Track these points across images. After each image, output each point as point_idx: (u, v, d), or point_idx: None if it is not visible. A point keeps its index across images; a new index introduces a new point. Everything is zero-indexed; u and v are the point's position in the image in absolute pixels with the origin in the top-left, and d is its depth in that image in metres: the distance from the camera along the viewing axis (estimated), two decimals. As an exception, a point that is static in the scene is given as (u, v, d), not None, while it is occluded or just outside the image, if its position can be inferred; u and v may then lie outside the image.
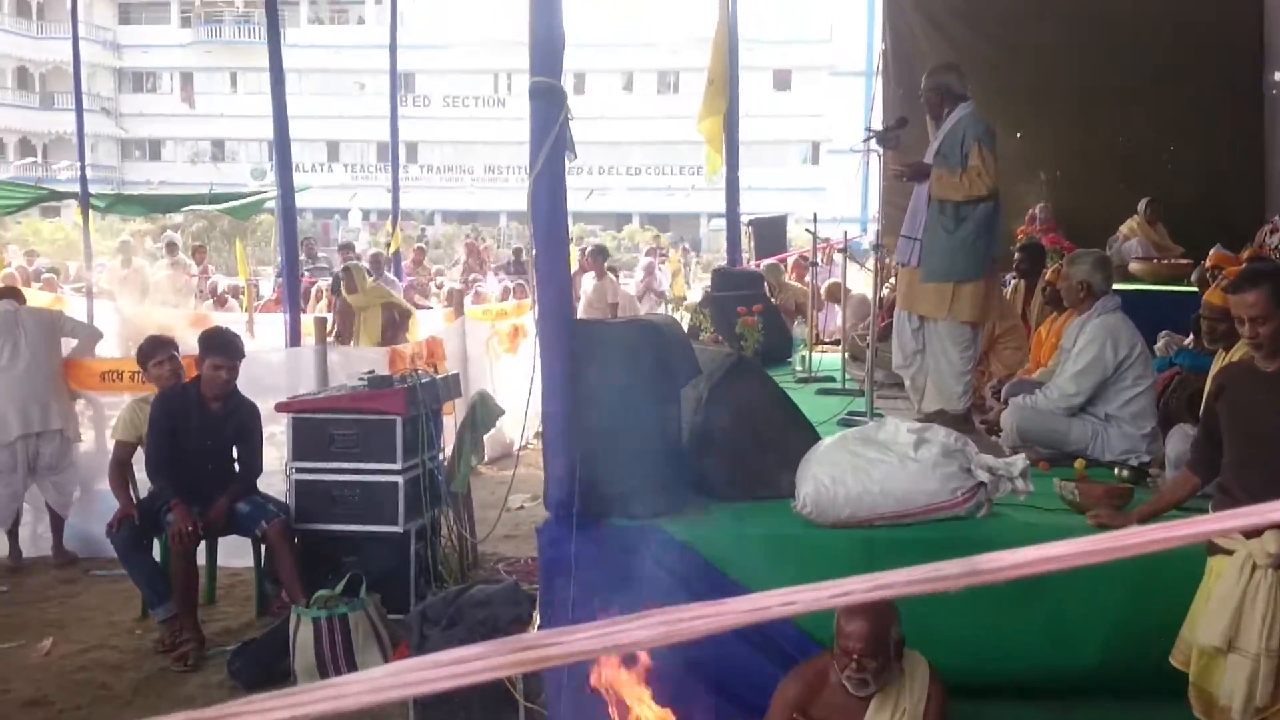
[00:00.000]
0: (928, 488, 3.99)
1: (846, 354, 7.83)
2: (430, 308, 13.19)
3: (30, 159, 49.17)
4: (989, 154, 5.36)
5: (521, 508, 7.88)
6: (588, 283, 12.89)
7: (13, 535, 7.08)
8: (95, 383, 7.33)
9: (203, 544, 5.83)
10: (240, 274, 15.03)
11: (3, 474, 6.95)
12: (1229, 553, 3.33)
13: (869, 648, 3.15)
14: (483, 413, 7.08)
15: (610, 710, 3.16)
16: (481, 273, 19.00)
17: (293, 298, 8.87)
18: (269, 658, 5.21)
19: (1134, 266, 9.12)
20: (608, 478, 3.99)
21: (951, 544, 3.80)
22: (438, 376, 6.65)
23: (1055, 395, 5.12)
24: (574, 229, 23.45)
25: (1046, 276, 7.37)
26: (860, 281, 10.89)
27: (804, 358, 8.15)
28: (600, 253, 13.79)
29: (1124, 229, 9.95)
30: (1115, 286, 5.39)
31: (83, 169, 11.73)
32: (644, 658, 3.12)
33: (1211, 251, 7.95)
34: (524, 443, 9.28)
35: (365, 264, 12.58)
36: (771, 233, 12.24)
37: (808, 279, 9.76)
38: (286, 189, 8.52)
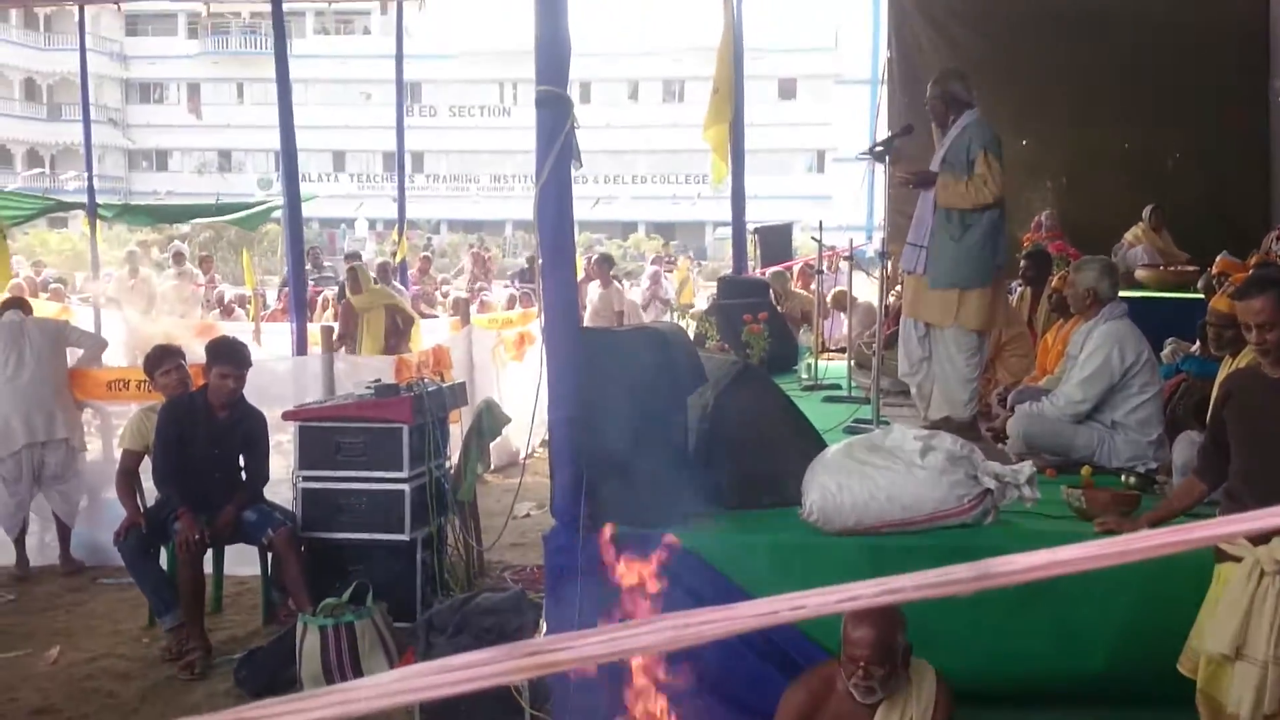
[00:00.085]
0: (934, 495, 3.99)
1: (852, 361, 7.82)
2: (436, 316, 13.22)
3: (38, 170, 49.33)
4: (995, 161, 5.35)
5: (528, 515, 7.88)
6: (593, 291, 12.90)
7: (20, 544, 7.09)
8: (102, 392, 7.34)
9: (209, 552, 5.83)
10: (247, 284, 15.07)
11: (9, 483, 6.97)
12: (1237, 559, 3.32)
13: (876, 655, 3.14)
14: (489, 421, 7.08)
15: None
16: (487, 281, 19.03)
17: (299, 307, 8.88)
18: (275, 666, 5.21)
19: (1140, 273, 9.10)
20: (614, 485, 3.99)
21: (958, 551, 3.78)
22: (444, 385, 6.65)
23: (1062, 402, 5.11)
24: (580, 238, 23.47)
25: (1053, 283, 7.36)
26: (867, 289, 10.89)
27: (810, 365, 8.14)
28: (606, 261, 13.80)
29: (1129, 236, 9.93)
30: (1121, 294, 5.39)
31: (90, 179, 11.80)
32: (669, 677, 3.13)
33: (1218, 258, 7.95)
34: (530, 451, 9.29)
35: (372, 273, 12.60)
36: (777, 241, 12.25)
37: (813, 287, 9.76)
38: (293, 199, 8.55)
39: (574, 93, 4.22)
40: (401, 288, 12.60)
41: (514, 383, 9.52)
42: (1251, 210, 9.86)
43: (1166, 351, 6.53)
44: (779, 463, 4.34)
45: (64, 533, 7.13)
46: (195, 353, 6.63)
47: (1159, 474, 4.85)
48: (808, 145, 51.17)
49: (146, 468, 6.03)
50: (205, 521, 5.60)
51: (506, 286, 18.30)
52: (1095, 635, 3.80)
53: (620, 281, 14.63)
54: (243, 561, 6.20)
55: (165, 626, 5.62)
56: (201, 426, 5.79)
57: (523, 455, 9.49)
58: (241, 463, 5.95)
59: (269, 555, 5.90)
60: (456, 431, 7.30)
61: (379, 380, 6.30)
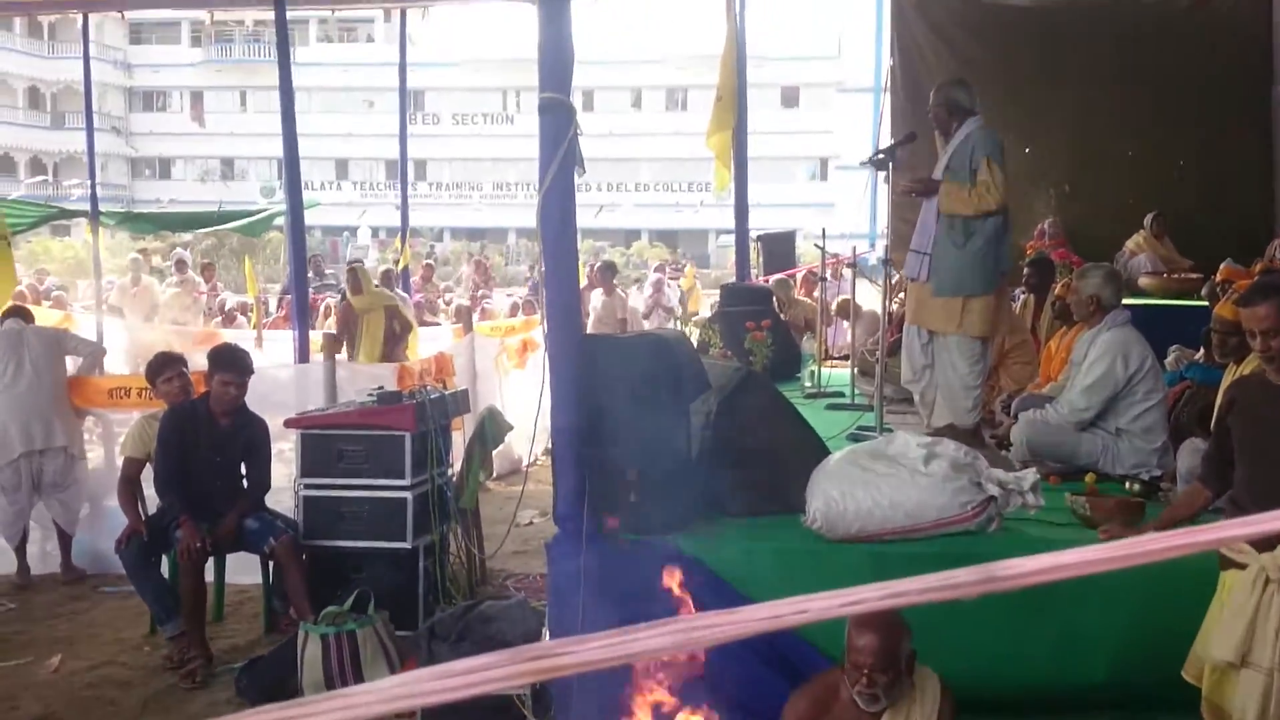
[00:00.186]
0: (938, 502, 3.98)
1: (856, 369, 7.81)
2: (439, 324, 13.22)
3: (41, 178, 49.43)
4: (998, 168, 5.35)
5: (530, 523, 7.87)
6: (596, 299, 12.90)
7: (21, 552, 7.09)
8: (103, 400, 7.34)
9: (211, 560, 5.82)
10: (249, 291, 15.08)
11: (8, 491, 6.97)
12: (1242, 567, 3.31)
13: (880, 662, 3.13)
14: (491, 428, 7.08)
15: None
16: (489, 289, 19.06)
17: (301, 314, 8.88)
18: (277, 674, 5.20)
19: (1143, 281, 9.09)
20: (617, 492, 3.98)
21: (962, 558, 3.72)
22: (446, 392, 6.65)
23: (1065, 409, 5.10)
24: (583, 246, 23.48)
25: (1056, 291, 7.36)
26: (870, 297, 10.88)
27: (813, 373, 8.14)
28: (609, 268, 13.80)
29: (1130, 244, 9.92)
30: (1124, 301, 5.38)
31: (93, 187, 11.79)
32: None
33: (1222, 266, 7.93)
34: (533, 458, 9.28)
35: (375, 280, 12.60)
36: (780, 248, 12.23)
37: (816, 294, 9.75)
38: (296, 206, 8.54)
39: (577, 100, 4.22)
40: (405, 295, 12.60)
41: (516, 390, 9.52)
42: (1255, 217, 9.84)
43: (1170, 359, 6.52)
44: (782, 470, 4.33)
45: (65, 541, 7.13)
46: (197, 360, 6.63)
47: (1163, 481, 4.84)
48: (811, 153, 51.21)
49: (148, 475, 6.03)
50: (207, 529, 5.59)
51: (510, 295, 18.30)
52: (1099, 643, 3.79)
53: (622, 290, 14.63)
54: (244, 570, 6.18)
55: (166, 635, 5.61)
56: (203, 434, 5.79)
57: (525, 463, 9.47)
58: (243, 470, 5.95)
59: (270, 563, 5.89)
60: (459, 439, 7.29)
61: (381, 388, 6.30)
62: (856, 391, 7.39)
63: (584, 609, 3.86)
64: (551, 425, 4.12)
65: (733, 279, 11.37)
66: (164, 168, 57.49)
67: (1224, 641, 3.28)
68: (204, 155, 56.31)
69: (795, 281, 12.56)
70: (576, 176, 4.04)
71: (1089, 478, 4.87)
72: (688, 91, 51.26)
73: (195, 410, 5.86)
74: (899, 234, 6.33)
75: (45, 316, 10.20)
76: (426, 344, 11.03)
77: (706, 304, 17.01)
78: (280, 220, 11.87)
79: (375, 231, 44.88)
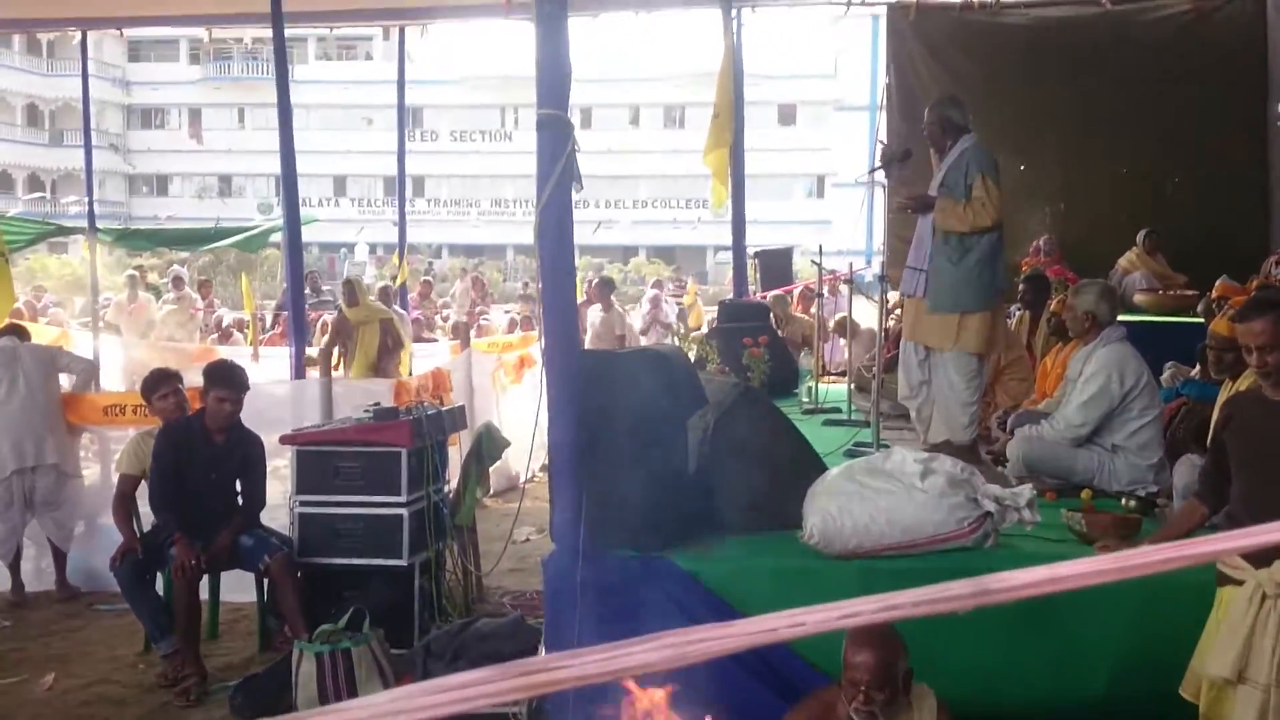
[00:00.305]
0: (934, 518, 3.98)
1: (852, 385, 7.82)
2: (436, 340, 13.22)
3: (39, 194, 49.48)
4: (993, 185, 5.36)
5: (527, 540, 7.85)
6: (594, 314, 12.90)
7: (14, 570, 7.06)
8: (98, 417, 7.33)
9: (205, 578, 5.80)
10: (246, 308, 15.08)
11: (0, 509, 6.95)
12: (1239, 583, 3.31)
13: (876, 679, 3.12)
14: (488, 445, 7.07)
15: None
16: (486, 305, 19.08)
17: (298, 331, 8.88)
18: (271, 692, 5.17)
19: (1139, 298, 9.11)
20: (614, 509, 3.98)
21: (958, 574, 3.70)
22: (443, 408, 6.64)
23: (1061, 426, 5.11)
24: (580, 262, 23.51)
25: (1051, 307, 7.37)
26: (867, 313, 10.89)
27: (810, 389, 8.14)
28: (607, 284, 13.79)
29: (1123, 262, 9.93)
30: (1120, 318, 5.39)
31: (91, 204, 11.82)
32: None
33: (1217, 282, 7.95)
34: (530, 475, 9.27)
35: (373, 297, 12.61)
36: (777, 265, 12.25)
37: (814, 310, 9.76)
38: (293, 223, 8.55)
39: (575, 118, 4.23)
40: (402, 311, 12.61)
41: (513, 406, 9.51)
42: (1251, 234, 9.86)
43: (1166, 375, 6.52)
44: (779, 486, 4.33)
45: (59, 558, 7.10)
46: (193, 377, 6.63)
47: (1159, 497, 4.84)
48: (807, 170, 51.31)
49: (143, 492, 6.01)
50: (201, 547, 5.58)
51: (507, 312, 18.31)
52: (1096, 659, 3.78)
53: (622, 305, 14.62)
54: (239, 587, 6.17)
55: (161, 652, 5.58)
56: (198, 451, 5.78)
57: (522, 479, 9.46)
58: (238, 487, 5.93)
59: (265, 581, 5.87)
60: (455, 455, 7.28)
61: (377, 404, 6.29)
62: (853, 407, 7.39)
63: (580, 626, 3.85)
64: (549, 441, 4.12)
65: (730, 295, 11.38)
66: (162, 184, 57.53)
67: (1221, 658, 3.27)
68: (202, 172, 56.35)
69: (792, 298, 12.59)
70: (574, 193, 4.04)
71: (1085, 494, 4.87)
72: (685, 109, 51.38)
73: (190, 427, 5.85)
74: (895, 251, 6.35)
75: (42, 333, 10.20)
76: (424, 360, 11.03)
77: (707, 320, 17.03)
78: (277, 236, 11.88)
79: (373, 248, 44.88)
